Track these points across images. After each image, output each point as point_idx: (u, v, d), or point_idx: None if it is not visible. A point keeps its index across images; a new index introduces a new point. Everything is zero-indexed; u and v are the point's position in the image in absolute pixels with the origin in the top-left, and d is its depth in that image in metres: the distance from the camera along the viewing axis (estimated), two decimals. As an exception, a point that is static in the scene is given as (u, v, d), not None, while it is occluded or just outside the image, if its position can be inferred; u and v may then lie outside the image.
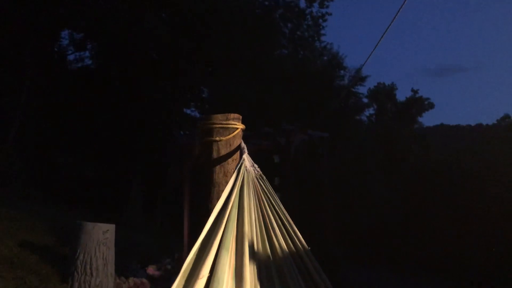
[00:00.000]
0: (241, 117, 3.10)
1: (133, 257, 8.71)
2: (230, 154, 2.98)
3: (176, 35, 16.74)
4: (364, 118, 29.83)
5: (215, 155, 2.88)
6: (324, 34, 23.07)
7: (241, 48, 17.42)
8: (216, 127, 2.94)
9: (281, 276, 2.15)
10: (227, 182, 2.81)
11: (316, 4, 22.24)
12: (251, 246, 2.17)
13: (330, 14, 22.56)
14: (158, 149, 16.57)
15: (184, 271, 1.94)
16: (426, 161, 22.33)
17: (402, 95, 43.50)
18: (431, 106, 32.02)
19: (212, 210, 2.68)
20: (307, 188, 9.23)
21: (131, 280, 6.54)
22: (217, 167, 2.92)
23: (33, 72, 15.37)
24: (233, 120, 3.02)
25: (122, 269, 7.23)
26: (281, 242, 2.37)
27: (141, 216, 16.06)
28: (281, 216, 2.54)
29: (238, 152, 3.10)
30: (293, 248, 2.41)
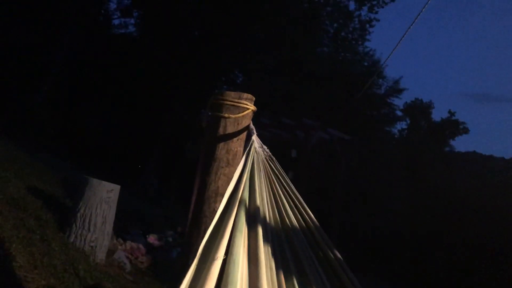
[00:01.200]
0: (254, 98, 3.06)
1: (138, 224, 8.88)
2: (236, 133, 2.94)
3: (219, 16, 16.77)
4: (395, 131, 29.33)
5: (221, 131, 2.86)
6: (368, 40, 22.68)
7: (281, 38, 17.29)
8: (226, 104, 2.91)
9: (294, 255, 2.15)
10: (228, 159, 2.78)
11: (365, 8, 21.86)
12: (264, 227, 2.16)
13: (378, 20, 22.14)
14: (183, 126, 16.71)
15: (200, 253, 1.94)
16: (449, 185, 21.77)
17: (438, 115, 42.52)
18: (465, 131, 31.18)
19: (208, 184, 2.65)
20: (318, 187, 9.14)
21: (128, 244, 6.65)
22: (221, 144, 2.90)
23: (75, 31, 15.69)
24: (245, 100, 2.99)
25: (123, 232, 7.39)
26: (292, 221, 2.37)
27: (155, 187, 16.28)
28: (292, 195, 2.52)
29: (245, 133, 3.06)
30: (304, 225, 2.40)
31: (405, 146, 27.67)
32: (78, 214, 5.42)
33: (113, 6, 19.80)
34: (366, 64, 22.33)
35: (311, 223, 2.46)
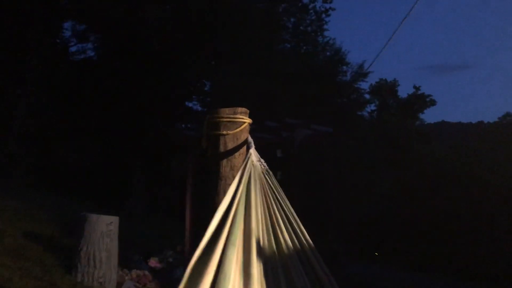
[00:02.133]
0: (248, 111, 3.10)
1: (135, 249, 8.75)
2: (237, 148, 2.97)
3: (178, 28, 16.69)
4: (365, 114, 29.80)
5: (222, 149, 2.88)
6: (327, 30, 22.95)
7: (243, 42, 17.35)
8: (223, 121, 2.93)
9: (286, 273, 2.15)
10: (233, 176, 2.80)
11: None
12: (258, 242, 2.16)
13: (334, 9, 22.42)
14: (161, 142, 16.54)
15: (192, 267, 1.93)
16: (427, 157, 22.30)
17: (404, 91, 43.45)
18: (432, 103, 31.99)
19: (218, 204, 2.65)
20: (309, 183, 9.23)
21: (134, 273, 6.57)
22: (224, 161, 2.91)
23: (36, 63, 15.34)
24: (240, 114, 3.02)
25: (124, 260, 7.27)
26: (286, 238, 2.36)
27: (143, 208, 16.07)
28: (287, 212, 2.53)
29: (245, 147, 3.09)
30: (298, 245, 2.39)
31: (378, 127, 28.20)
32: (82, 253, 5.33)
33: (68, 33, 19.43)
34: (328, 53, 22.59)
35: (304, 241, 2.49)
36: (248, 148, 3.04)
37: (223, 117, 3.11)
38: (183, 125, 19.52)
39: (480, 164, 18.34)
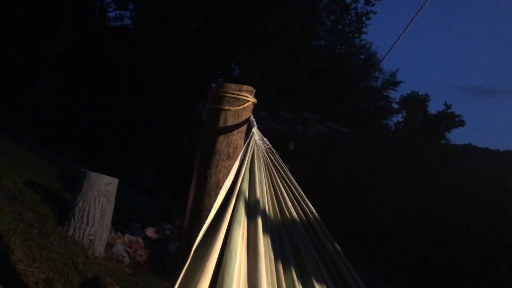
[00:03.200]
0: (254, 90, 3.04)
1: (135, 217, 8.86)
2: (237, 126, 2.93)
3: (216, 9, 16.67)
4: (391, 123, 29.39)
5: (221, 124, 2.84)
6: (365, 33, 22.69)
7: (277, 31, 17.23)
8: (227, 96, 2.89)
9: (294, 247, 2.13)
10: (228, 152, 2.77)
11: (362, 0, 21.80)
12: (264, 219, 2.14)
13: (375, 13, 22.08)
14: (180, 119, 16.65)
15: (197, 245, 1.92)
16: (445, 178, 21.83)
17: (434, 107, 42.55)
18: (461, 123, 31.31)
19: (209, 177, 2.63)
20: (316, 180, 9.14)
21: (127, 237, 6.64)
22: (221, 136, 2.88)
23: (71, 22, 15.55)
24: (245, 92, 2.97)
25: (121, 225, 7.37)
26: (292, 213, 2.34)
27: (152, 180, 16.26)
28: (293, 188, 2.50)
29: (246, 126, 3.05)
30: (304, 218, 2.38)
31: (401, 139, 27.73)
32: (77, 208, 5.40)
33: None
34: (362, 57, 22.33)
35: (311, 216, 2.45)
36: (250, 128, 3.01)
37: (227, 92, 3.07)
38: (204, 106, 19.60)
39: (500, 193, 17.85)
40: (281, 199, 2.49)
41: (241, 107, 3.01)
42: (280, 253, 2.13)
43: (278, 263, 2.10)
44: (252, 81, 15.97)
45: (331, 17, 22.13)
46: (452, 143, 33.47)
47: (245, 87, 3.13)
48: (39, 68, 14.80)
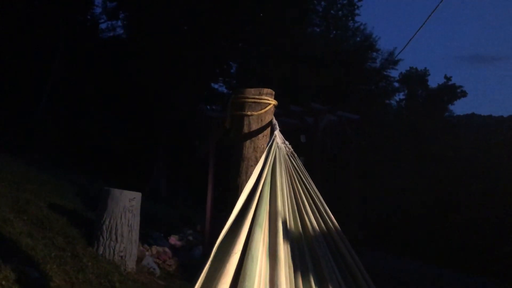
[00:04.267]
0: (273, 92, 3.04)
1: (156, 226, 8.90)
2: (261, 130, 2.92)
3: (207, 8, 16.60)
4: (393, 102, 29.29)
5: (246, 129, 2.82)
6: (358, 14, 22.52)
7: (272, 24, 17.16)
8: (248, 101, 2.88)
9: (313, 255, 2.11)
10: (256, 157, 2.75)
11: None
12: (284, 224, 2.12)
13: (366, -7, 21.99)
14: (184, 122, 16.65)
15: (218, 246, 1.91)
16: (454, 150, 21.82)
17: (434, 81, 42.36)
18: (463, 94, 31.12)
19: (240, 184, 2.62)
20: (332, 170, 9.13)
21: (154, 248, 6.69)
22: (247, 142, 2.87)
23: (65, 40, 15.55)
24: (266, 95, 2.96)
25: (145, 237, 7.41)
26: (312, 221, 2.32)
27: (165, 188, 16.29)
28: (313, 194, 2.48)
29: (269, 128, 3.04)
30: (324, 228, 2.35)
31: (405, 116, 27.67)
32: (104, 226, 5.43)
33: (98, 10, 19.62)
34: (358, 39, 22.20)
35: (330, 224, 2.43)
36: (272, 130, 3.00)
37: (248, 98, 3.05)
38: (207, 107, 19.60)
39: (509, 158, 17.83)
40: (301, 205, 2.48)
41: (263, 111, 3.00)
42: (299, 261, 2.12)
43: (297, 271, 2.10)
44: (252, 76, 15.95)
45: (323, 3, 22.01)
46: (456, 114, 33.43)
47: (265, 90, 3.12)
48: (42, 91, 14.82)
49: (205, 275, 1.87)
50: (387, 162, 19.24)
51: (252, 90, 3.03)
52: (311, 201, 2.55)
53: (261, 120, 3.05)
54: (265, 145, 3.07)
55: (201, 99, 19.89)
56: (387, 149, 19.78)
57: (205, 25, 16.91)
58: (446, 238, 15.41)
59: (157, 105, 16.83)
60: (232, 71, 21.31)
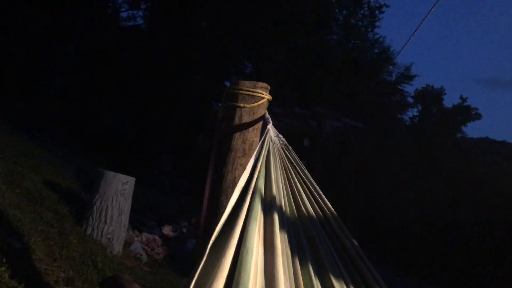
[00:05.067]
0: (269, 87, 3.03)
1: (152, 215, 8.94)
2: (252, 123, 2.91)
3: (228, 6, 16.66)
4: (406, 118, 29.08)
5: (237, 121, 2.83)
6: (378, 26, 22.45)
7: (290, 27, 17.15)
8: (242, 93, 2.88)
9: (311, 242, 2.12)
10: (244, 149, 2.76)
11: (374, -6, 21.58)
12: (280, 215, 2.12)
13: (388, 6, 21.88)
14: (194, 117, 16.72)
15: (213, 241, 1.92)
16: (462, 172, 21.55)
17: (449, 101, 41.95)
18: (478, 117, 30.77)
19: (225, 174, 2.62)
20: (333, 175, 9.07)
21: (144, 235, 6.70)
22: (237, 134, 2.87)
23: (84, 24, 15.70)
24: (260, 89, 2.95)
25: (138, 223, 7.44)
26: (309, 209, 2.33)
27: (169, 179, 16.34)
28: (309, 184, 2.48)
29: (261, 123, 3.03)
30: (321, 214, 2.36)
31: (417, 133, 27.42)
32: (95, 207, 5.45)
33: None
34: (376, 51, 22.11)
35: (328, 212, 2.42)
36: (265, 124, 2.99)
37: (242, 89, 3.05)
38: (219, 104, 19.66)
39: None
40: (297, 195, 2.47)
41: (256, 104, 2.99)
42: (297, 249, 2.11)
43: (295, 259, 2.09)
44: (266, 77, 15.93)
45: (344, 12, 21.94)
46: (468, 137, 33.04)
47: (260, 84, 3.11)
48: (56, 71, 14.98)
49: (200, 271, 1.87)
50: (391, 175, 19.07)
51: (247, 83, 3.02)
52: (307, 190, 2.53)
53: (253, 113, 3.04)
54: (255, 138, 3.06)
55: (214, 96, 19.95)
56: (393, 161, 19.61)
57: (224, 23, 16.98)
58: (442, 258, 15.23)
59: (168, 98, 16.92)
60: (247, 71, 21.36)
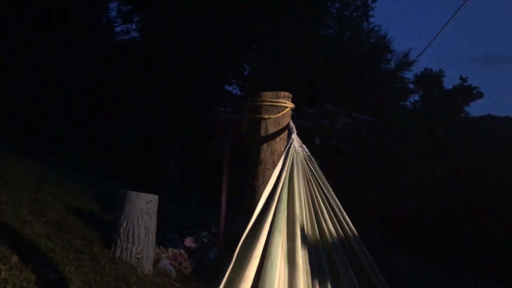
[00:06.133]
0: (291, 96, 3.03)
1: (171, 228, 8.94)
2: (278, 133, 2.91)
3: (222, 10, 16.65)
4: (408, 104, 29.05)
5: (263, 133, 2.81)
6: (372, 16, 22.34)
7: (285, 26, 17.14)
8: (265, 105, 2.87)
9: (330, 261, 2.09)
10: (273, 161, 2.74)
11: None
12: (302, 230, 2.11)
13: (380, -5, 21.81)
14: (198, 124, 16.72)
15: (238, 251, 1.92)
16: (469, 151, 21.54)
17: (449, 83, 41.99)
18: (479, 95, 30.82)
19: (257, 188, 2.61)
20: (347, 172, 9.06)
21: (170, 251, 6.71)
22: (264, 145, 2.86)
23: (81, 42, 15.73)
24: (283, 99, 2.95)
25: (160, 239, 7.44)
26: (329, 226, 2.30)
27: (179, 190, 16.36)
28: (330, 199, 2.45)
29: (286, 132, 3.03)
30: (341, 232, 2.33)
31: (421, 117, 27.41)
32: (121, 229, 5.46)
33: (113, 14, 19.82)
34: (372, 40, 22.04)
35: (348, 229, 2.41)
36: (290, 134, 2.99)
37: (265, 101, 3.04)
38: (221, 108, 19.63)
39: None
40: (319, 210, 2.45)
41: (280, 114, 2.99)
42: (316, 267, 2.10)
43: (315, 277, 2.08)
44: (266, 78, 15.93)
45: (336, 5, 21.88)
46: (472, 116, 33.05)
47: (282, 93, 3.11)
48: (57, 92, 15.01)
49: (226, 279, 1.87)
50: (402, 164, 19.07)
51: (270, 94, 3.02)
52: (328, 206, 2.53)
53: (278, 123, 3.03)
54: (282, 148, 3.06)
55: (215, 101, 19.97)
56: (402, 151, 19.60)
57: (219, 27, 16.98)
58: (461, 243, 15.22)
59: (171, 107, 16.93)
60: (246, 73, 21.36)
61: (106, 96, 16.79)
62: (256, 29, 17.69)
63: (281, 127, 3.04)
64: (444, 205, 17.46)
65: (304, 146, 2.93)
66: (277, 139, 3.04)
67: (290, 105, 3.18)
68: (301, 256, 2.04)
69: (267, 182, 3.09)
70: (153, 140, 17.08)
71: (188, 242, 8.40)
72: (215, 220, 10.24)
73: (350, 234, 2.42)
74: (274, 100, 3.06)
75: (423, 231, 16.46)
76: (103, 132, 15.56)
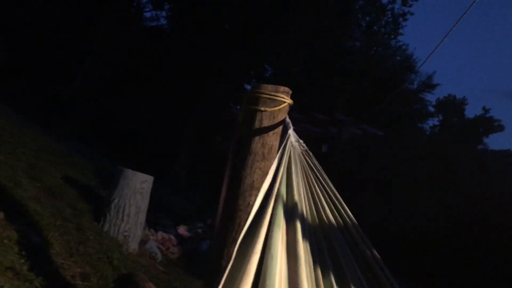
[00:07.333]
0: (290, 92, 3.01)
1: (168, 214, 8.99)
2: (272, 127, 2.89)
3: (251, 9, 16.70)
4: (426, 127, 28.73)
5: (257, 124, 2.81)
6: (401, 34, 22.21)
7: (314, 34, 17.10)
8: (263, 97, 2.86)
9: (332, 251, 2.09)
10: (263, 153, 2.74)
11: (399, 1, 21.39)
12: (302, 223, 2.11)
13: (412, 14, 21.64)
14: (213, 120, 16.77)
15: (238, 246, 1.92)
16: (483, 185, 21.13)
17: (471, 112, 41.34)
18: (500, 128, 30.27)
19: (243, 178, 2.61)
20: (350, 182, 8.97)
21: (159, 234, 6.73)
22: (257, 137, 2.85)
23: (108, 23, 15.92)
24: (282, 93, 2.93)
25: (155, 223, 7.48)
26: (330, 217, 2.31)
27: (185, 179, 16.43)
28: (329, 191, 2.45)
29: (281, 127, 3.01)
30: (342, 223, 2.34)
31: (437, 143, 27.03)
32: (112, 204, 5.50)
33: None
34: (398, 58, 21.90)
35: (348, 220, 2.39)
36: (286, 129, 2.97)
37: (263, 93, 3.03)
38: (238, 107, 19.67)
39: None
40: (318, 202, 2.44)
41: (277, 108, 2.97)
42: (319, 258, 2.08)
43: (317, 269, 2.06)
44: (286, 81, 15.88)
45: (367, 18, 21.81)
46: (490, 149, 32.45)
47: (282, 88, 3.09)
48: (77, 68, 15.23)
49: (226, 276, 1.87)
50: (410, 185, 18.81)
51: (269, 87, 3.01)
52: (327, 198, 2.51)
53: (274, 117, 3.02)
54: (274, 143, 3.04)
55: (232, 98, 20.00)
56: (412, 172, 19.35)
57: (247, 26, 17.01)
58: (459, 271, 14.93)
59: (188, 98, 17.01)
60: (267, 74, 21.36)
61: (125, 79, 16.95)
62: (284, 35, 17.66)
63: (276, 121, 3.02)
64: (450, 234, 17.14)
65: (301, 141, 2.91)
66: (271, 133, 3.02)
67: (288, 100, 3.15)
68: (303, 248, 2.04)
69: (254, 173, 3.08)
70: (166, 128, 17.19)
71: (182, 230, 8.41)
72: (213, 212, 10.26)
73: (350, 224, 2.40)
74: (272, 93, 3.04)
75: (423, 257, 16.18)
76: (116, 113, 15.70)
